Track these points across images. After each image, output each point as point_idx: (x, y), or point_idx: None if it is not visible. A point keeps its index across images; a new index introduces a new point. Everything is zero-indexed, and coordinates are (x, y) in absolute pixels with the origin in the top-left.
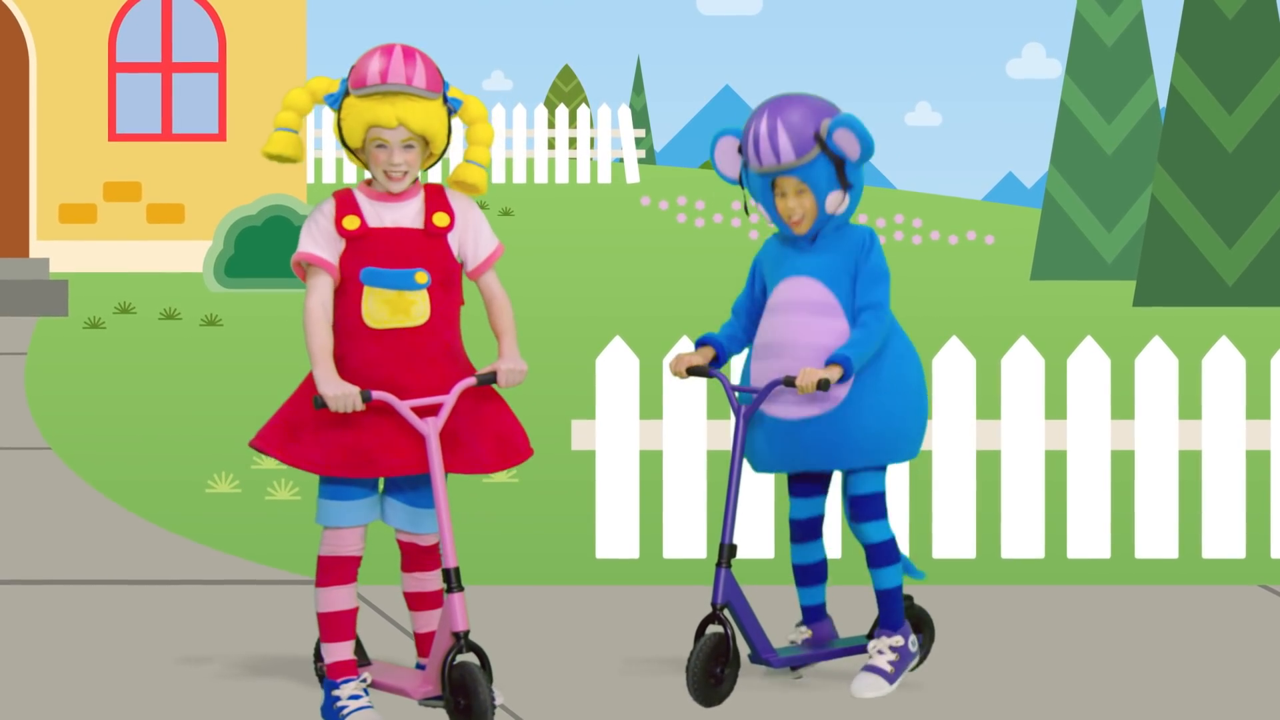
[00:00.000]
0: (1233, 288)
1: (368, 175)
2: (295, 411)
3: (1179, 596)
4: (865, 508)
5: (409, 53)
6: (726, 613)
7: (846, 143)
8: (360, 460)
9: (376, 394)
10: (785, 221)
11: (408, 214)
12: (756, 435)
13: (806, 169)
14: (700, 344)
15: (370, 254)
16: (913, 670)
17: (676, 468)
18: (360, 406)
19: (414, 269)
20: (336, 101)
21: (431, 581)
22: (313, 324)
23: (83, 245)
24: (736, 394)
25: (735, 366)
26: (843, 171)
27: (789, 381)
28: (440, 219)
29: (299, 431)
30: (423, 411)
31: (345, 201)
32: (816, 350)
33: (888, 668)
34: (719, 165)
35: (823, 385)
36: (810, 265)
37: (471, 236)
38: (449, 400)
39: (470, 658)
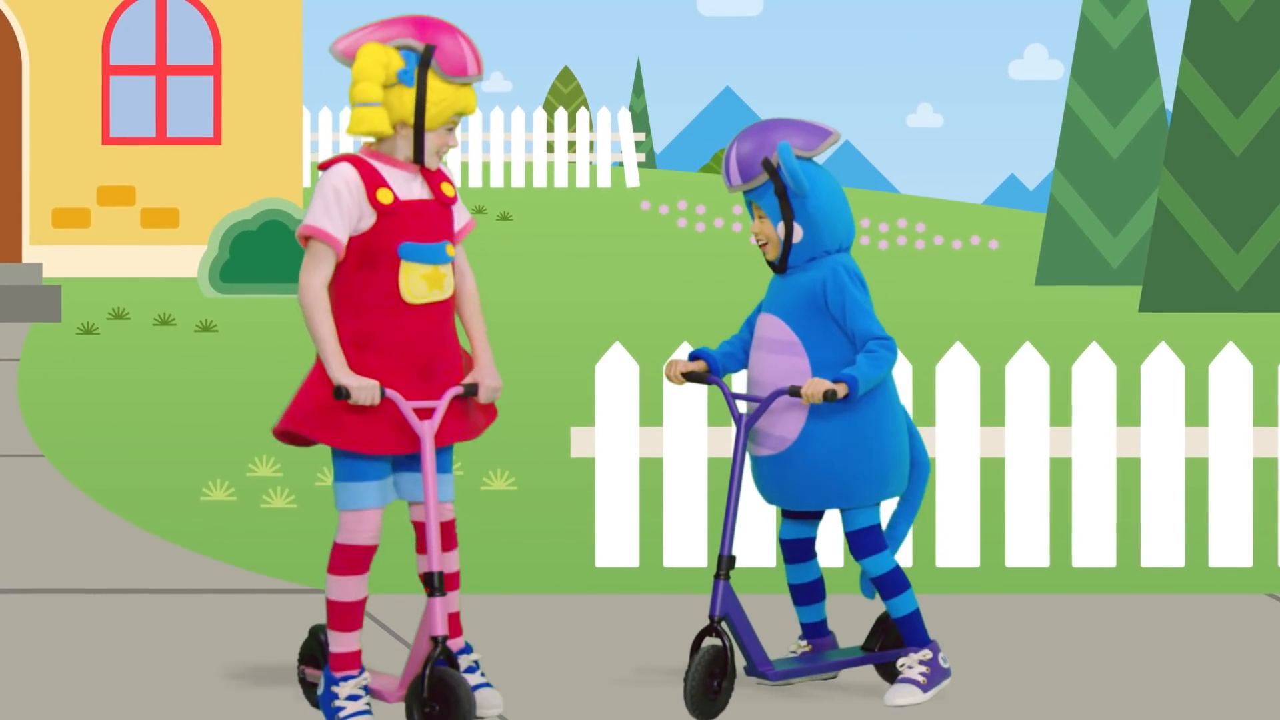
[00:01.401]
0: (1240, 293)
1: (366, 141)
2: (326, 392)
3: (1185, 605)
4: (859, 544)
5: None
6: (724, 625)
7: (784, 173)
8: (408, 435)
9: (389, 392)
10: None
11: (417, 185)
12: (751, 465)
13: (757, 194)
14: (693, 358)
15: (407, 228)
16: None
17: (677, 475)
18: (378, 400)
19: (443, 241)
20: (412, 78)
21: (452, 562)
22: (320, 306)
23: (76, 250)
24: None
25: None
26: (786, 201)
27: (794, 391)
28: (448, 189)
29: (337, 411)
30: (419, 414)
31: (370, 173)
32: (777, 388)
33: (920, 679)
34: None
35: (829, 396)
36: (776, 303)
37: (459, 206)
38: (441, 405)
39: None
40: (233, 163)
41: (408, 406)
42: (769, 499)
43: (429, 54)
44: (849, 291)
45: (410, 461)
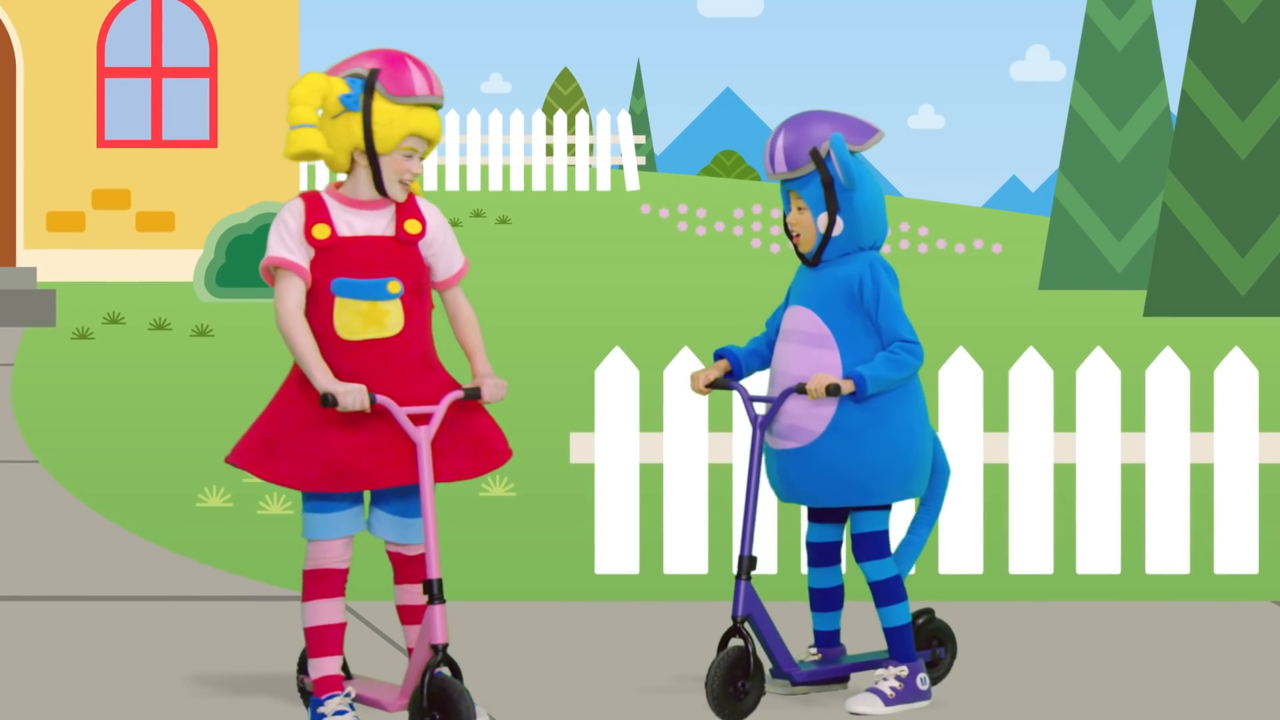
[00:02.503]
0: (1245, 297)
1: (340, 178)
2: (271, 426)
3: (1190, 613)
4: (864, 546)
5: (426, 66)
6: (747, 626)
7: (835, 165)
8: (337, 474)
9: (380, 398)
10: (792, 237)
11: (380, 222)
12: (767, 462)
13: (801, 184)
14: (718, 356)
15: (341, 264)
16: (933, 684)
17: (677, 481)
18: (368, 406)
19: (387, 278)
20: (357, 103)
21: (418, 593)
22: (296, 327)
23: (71, 254)
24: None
25: (760, 380)
26: (831, 193)
27: (800, 389)
28: (413, 225)
29: (275, 447)
30: (414, 420)
31: (315, 208)
32: (804, 382)
33: (889, 692)
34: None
35: (832, 390)
36: (808, 295)
37: (441, 246)
38: (439, 411)
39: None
40: (228, 166)
41: (401, 412)
42: (787, 497)
43: (373, 77)
44: (884, 287)
45: (384, 500)
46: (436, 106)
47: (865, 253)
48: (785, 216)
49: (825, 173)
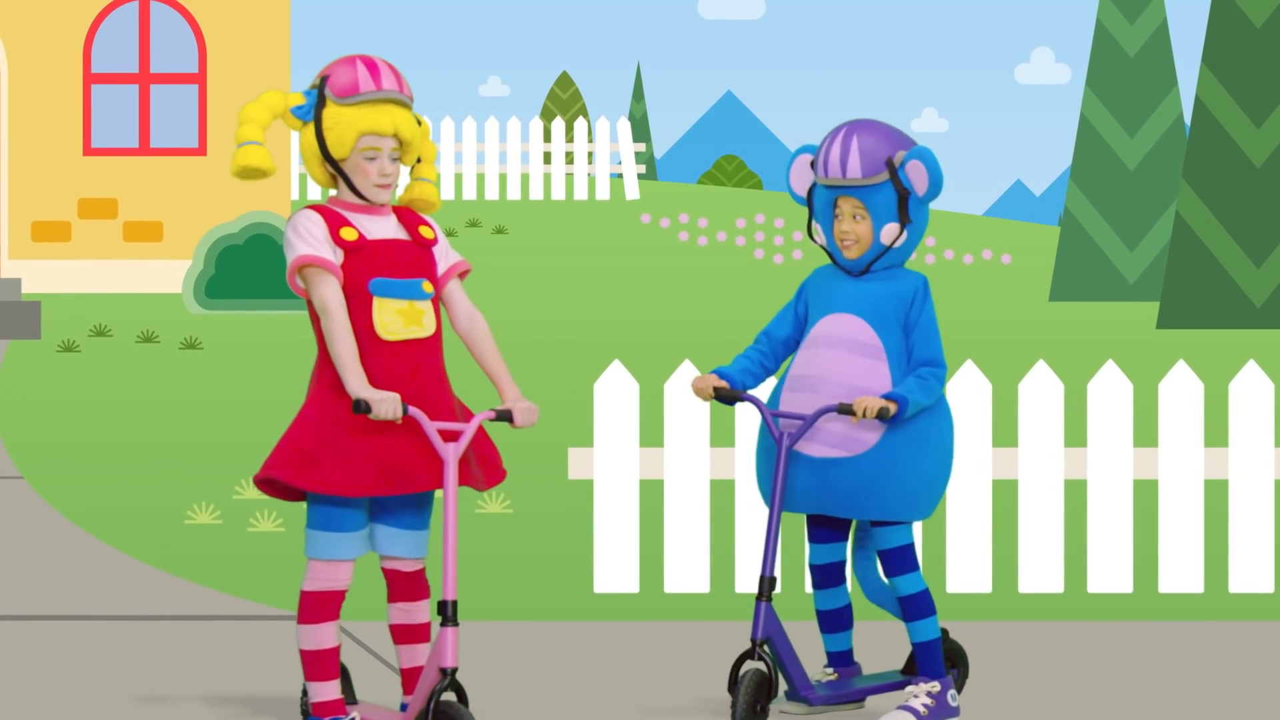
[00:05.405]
0: (1260, 309)
1: (332, 193)
2: (307, 437)
3: (1204, 633)
4: (895, 561)
5: (387, 63)
6: (766, 648)
7: (917, 176)
8: (393, 477)
9: (411, 409)
10: (838, 244)
11: (388, 226)
12: (795, 472)
13: (869, 192)
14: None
15: (376, 264)
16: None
17: (678, 498)
18: (399, 416)
19: (419, 279)
20: (309, 114)
21: (420, 613)
22: (340, 325)
23: (56, 265)
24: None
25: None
26: (905, 204)
27: (844, 409)
28: (426, 231)
29: (317, 456)
30: (442, 436)
31: (332, 214)
32: (851, 389)
33: (922, 709)
34: (792, 182)
35: (882, 415)
36: (856, 303)
37: (443, 252)
38: (470, 429)
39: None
40: (218, 174)
41: (431, 427)
42: (815, 507)
43: (322, 84)
44: (929, 309)
45: (391, 515)
46: (397, 103)
47: (907, 269)
48: (821, 224)
49: (899, 184)
